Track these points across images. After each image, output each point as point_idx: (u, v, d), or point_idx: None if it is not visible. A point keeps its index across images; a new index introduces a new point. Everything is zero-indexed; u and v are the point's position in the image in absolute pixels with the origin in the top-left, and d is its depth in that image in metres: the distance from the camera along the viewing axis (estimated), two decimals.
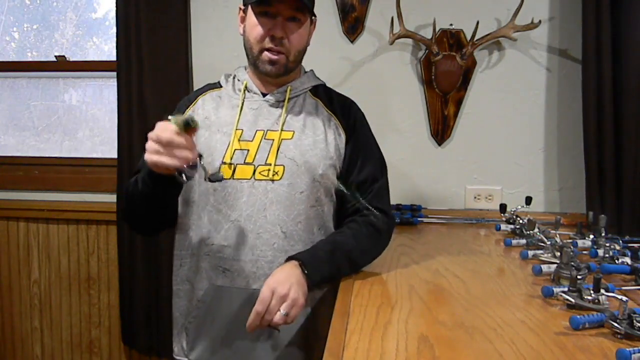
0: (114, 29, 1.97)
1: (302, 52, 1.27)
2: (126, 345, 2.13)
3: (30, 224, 2.19)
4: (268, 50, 1.20)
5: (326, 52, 1.89)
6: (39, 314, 2.22)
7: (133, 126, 1.95)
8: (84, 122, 2.28)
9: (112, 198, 2.06)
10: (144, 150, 1.02)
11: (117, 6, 1.94)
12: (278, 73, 1.23)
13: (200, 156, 1.04)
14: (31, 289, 2.22)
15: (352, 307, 0.98)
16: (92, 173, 2.18)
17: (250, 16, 1.21)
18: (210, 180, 1.11)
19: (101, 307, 2.19)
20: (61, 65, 2.19)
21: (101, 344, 2.21)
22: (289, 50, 1.21)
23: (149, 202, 1.15)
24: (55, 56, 2.18)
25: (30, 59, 2.28)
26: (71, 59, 2.19)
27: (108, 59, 2.16)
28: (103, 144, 2.26)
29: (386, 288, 1.09)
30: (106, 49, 2.25)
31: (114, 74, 1.99)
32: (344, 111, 1.30)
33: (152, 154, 1.00)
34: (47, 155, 2.26)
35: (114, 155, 2.02)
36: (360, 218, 1.24)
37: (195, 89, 1.97)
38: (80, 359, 2.22)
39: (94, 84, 2.27)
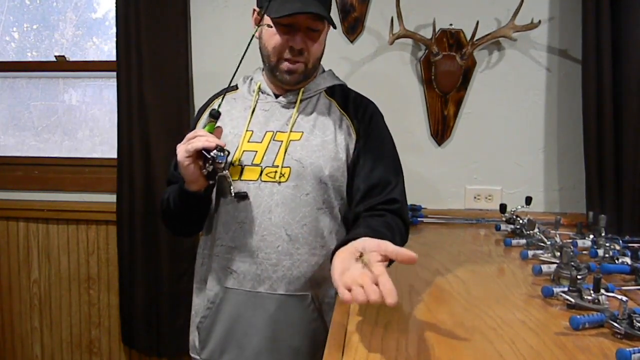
0: (114, 29, 1.97)
1: (320, 57, 1.26)
2: (126, 345, 2.13)
3: (30, 224, 2.19)
4: (287, 60, 1.18)
5: (326, 52, 1.86)
6: (39, 313, 2.22)
7: (133, 126, 1.94)
8: (84, 122, 2.28)
9: (112, 198, 2.06)
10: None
11: (117, 6, 1.95)
12: (296, 81, 1.22)
13: (221, 150, 1.07)
14: (31, 289, 2.22)
15: (352, 307, 0.98)
16: (92, 173, 2.18)
17: (268, 23, 1.18)
18: (236, 196, 1.16)
19: (101, 307, 2.19)
20: (61, 65, 2.19)
21: (101, 344, 2.21)
22: (307, 59, 1.20)
23: (183, 217, 1.25)
24: (55, 56, 2.18)
25: (30, 59, 2.28)
26: (71, 59, 2.19)
27: (108, 59, 2.16)
28: (103, 144, 2.26)
29: None
30: (106, 49, 2.25)
31: (114, 74, 1.99)
32: (357, 111, 1.26)
33: (178, 153, 1.09)
34: (47, 155, 2.26)
35: (114, 155, 2.02)
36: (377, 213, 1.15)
37: (194, 88, 1.99)
38: (80, 359, 2.22)
39: (93, 84, 2.27)
